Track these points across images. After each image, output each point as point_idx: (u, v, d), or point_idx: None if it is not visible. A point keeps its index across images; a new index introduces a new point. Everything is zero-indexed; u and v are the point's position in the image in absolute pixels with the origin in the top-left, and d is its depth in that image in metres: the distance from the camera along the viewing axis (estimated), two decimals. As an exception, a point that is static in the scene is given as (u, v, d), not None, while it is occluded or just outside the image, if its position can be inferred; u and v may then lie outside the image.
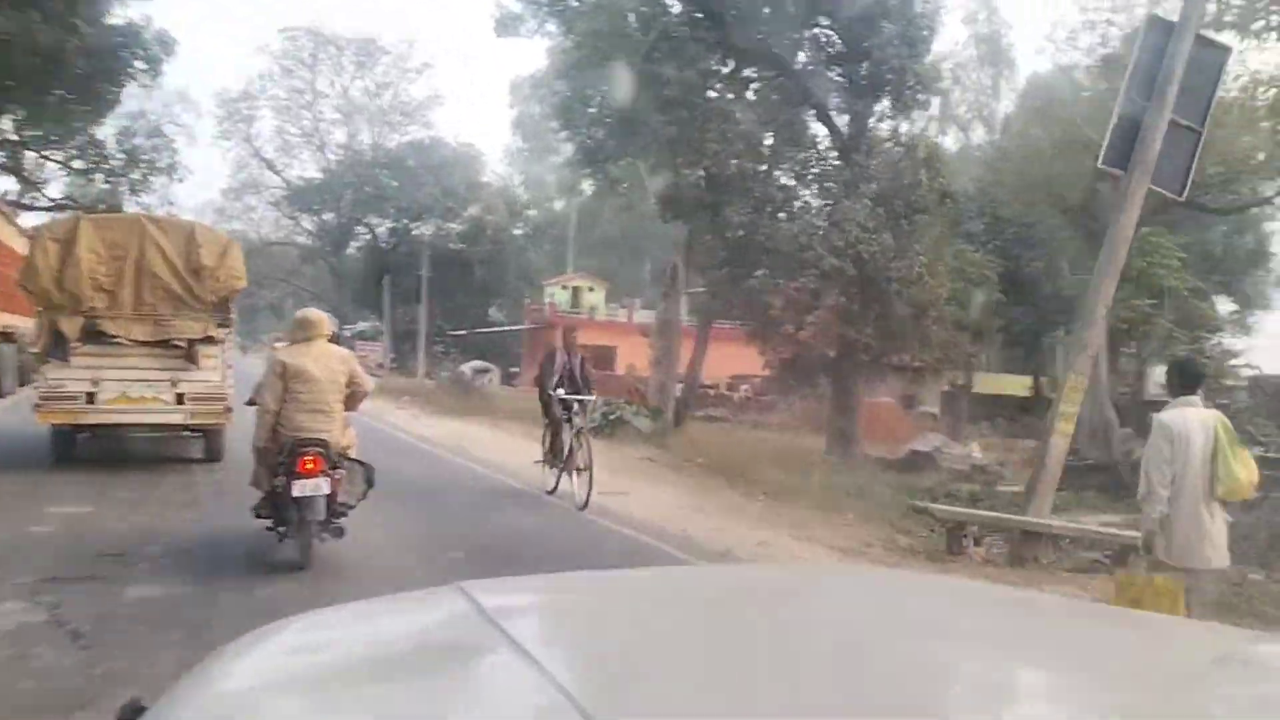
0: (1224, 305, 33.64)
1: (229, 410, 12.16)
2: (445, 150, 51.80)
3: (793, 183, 19.10)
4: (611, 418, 21.56)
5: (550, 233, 58.67)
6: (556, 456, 11.49)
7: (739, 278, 18.83)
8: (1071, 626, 1.71)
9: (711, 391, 31.12)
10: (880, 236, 17.22)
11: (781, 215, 20.40)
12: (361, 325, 50.73)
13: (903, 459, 21.07)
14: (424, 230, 52.21)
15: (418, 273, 43.28)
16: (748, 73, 20.25)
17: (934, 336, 18.79)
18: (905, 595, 1.91)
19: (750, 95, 19.77)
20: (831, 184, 18.07)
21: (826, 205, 17.83)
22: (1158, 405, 28.14)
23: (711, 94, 20.37)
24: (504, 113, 64.15)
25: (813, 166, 19.22)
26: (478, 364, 30.58)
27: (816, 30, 19.08)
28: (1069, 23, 24.98)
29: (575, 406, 11.28)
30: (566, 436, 11.23)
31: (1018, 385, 40.44)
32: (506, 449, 16.60)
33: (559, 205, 62.46)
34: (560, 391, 11.30)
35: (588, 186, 44.81)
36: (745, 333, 21.82)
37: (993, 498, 15.47)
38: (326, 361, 7.25)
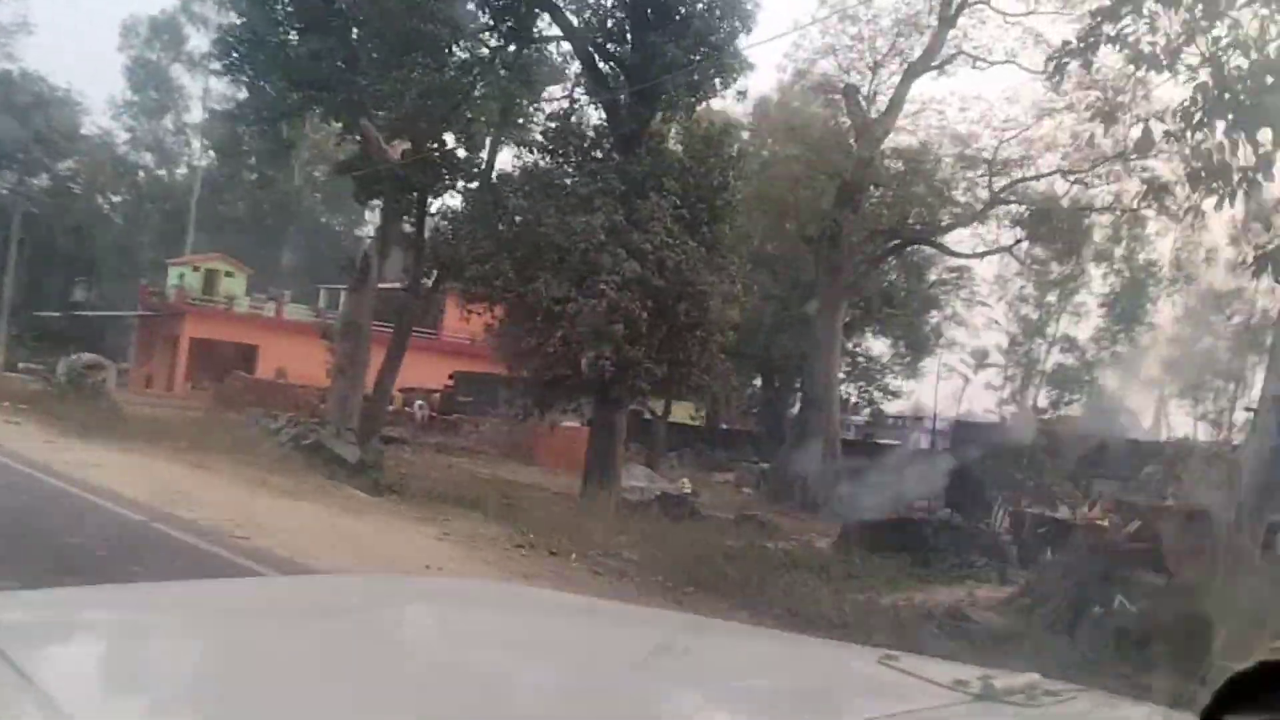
0: (889, 347, 35.06)
1: None
2: (34, 88, 41.75)
3: (574, 172, 15.59)
4: (305, 442, 16.76)
5: (162, 205, 49.74)
6: None
7: (500, 276, 15.09)
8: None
9: (390, 408, 26.59)
10: (685, 243, 14.42)
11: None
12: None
13: (654, 501, 18.36)
14: (-4, 184, 41.82)
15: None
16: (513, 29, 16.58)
17: (715, 365, 16.29)
18: (470, 606, 2.02)
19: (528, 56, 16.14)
20: (625, 174, 14.84)
21: (623, 200, 14.56)
22: (849, 444, 27.47)
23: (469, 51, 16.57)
24: (114, 57, 53.03)
25: (595, 151, 15.91)
26: (89, 357, 23.67)
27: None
28: (813, 44, 23.85)
29: None
30: None
31: (687, 413, 39.87)
32: (348, 541, 9.98)
33: (164, 172, 53.31)
34: None
35: (223, 150, 37.75)
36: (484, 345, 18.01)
37: (824, 558, 13.06)
38: None
